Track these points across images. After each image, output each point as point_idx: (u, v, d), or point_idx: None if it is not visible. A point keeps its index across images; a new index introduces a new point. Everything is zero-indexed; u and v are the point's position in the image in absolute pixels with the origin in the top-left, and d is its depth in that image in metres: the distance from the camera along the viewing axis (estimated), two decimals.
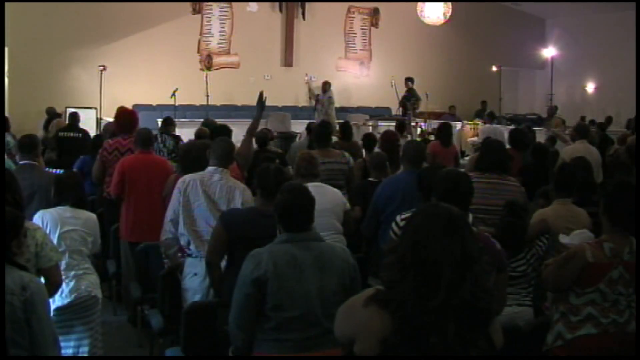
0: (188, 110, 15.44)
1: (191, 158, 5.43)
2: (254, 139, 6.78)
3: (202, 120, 11.46)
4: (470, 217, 3.71)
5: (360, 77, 18.39)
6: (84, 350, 4.58)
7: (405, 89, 16.19)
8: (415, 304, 2.08)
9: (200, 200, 4.88)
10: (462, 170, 4.91)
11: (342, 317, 2.32)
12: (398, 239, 2.29)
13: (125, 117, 7.27)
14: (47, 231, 4.46)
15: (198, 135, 8.56)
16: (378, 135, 9.22)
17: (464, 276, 2.11)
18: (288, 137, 12.27)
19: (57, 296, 4.30)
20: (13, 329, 3.07)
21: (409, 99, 15.80)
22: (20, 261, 3.34)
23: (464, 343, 2.09)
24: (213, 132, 7.49)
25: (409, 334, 2.08)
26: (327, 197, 5.19)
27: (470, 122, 16.23)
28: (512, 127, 12.14)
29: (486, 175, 5.28)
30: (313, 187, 5.04)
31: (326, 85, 16.24)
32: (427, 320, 2.07)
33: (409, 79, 16.19)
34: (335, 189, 5.48)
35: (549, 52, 20.88)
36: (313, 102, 16.45)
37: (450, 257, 2.11)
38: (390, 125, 13.66)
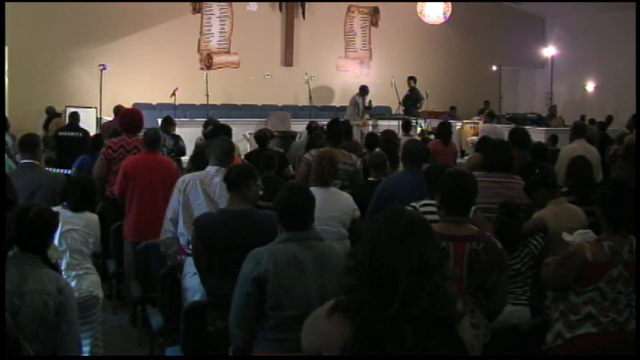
0: (188, 110, 15.43)
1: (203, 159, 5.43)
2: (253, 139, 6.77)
3: (202, 119, 11.47)
4: (473, 208, 3.70)
5: (360, 76, 18.39)
6: (84, 350, 4.57)
7: (407, 88, 16.20)
8: (370, 312, 2.02)
9: (200, 200, 4.89)
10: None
11: (306, 329, 2.24)
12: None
13: (131, 117, 7.26)
14: None
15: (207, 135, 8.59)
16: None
17: (421, 285, 2.03)
18: (288, 137, 12.27)
19: None
20: (40, 326, 3.11)
21: (412, 99, 15.82)
22: None
23: (424, 351, 2.02)
24: (213, 132, 7.50)
25: (366, 341, 2.02)
26: (336, 204, 5.17)
27: (469, 121, 16.24)
28: (512, 126, 12.14)
29: (492, 174, 5.33)
30: (323, 192, 5.06)
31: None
32: (384, 328, 2.01)
33: (412, 78, 16.18)
34: (347, 195, 5.46)
35: (549, 51, 20.89)
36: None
37: (406, 265, 2.04)
38: (391, 124, 13.68)
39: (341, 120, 10.95)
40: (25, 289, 3.07)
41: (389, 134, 8.91)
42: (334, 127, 7.31)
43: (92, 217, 4.83)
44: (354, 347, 2.02)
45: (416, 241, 2.09)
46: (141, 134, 7.19)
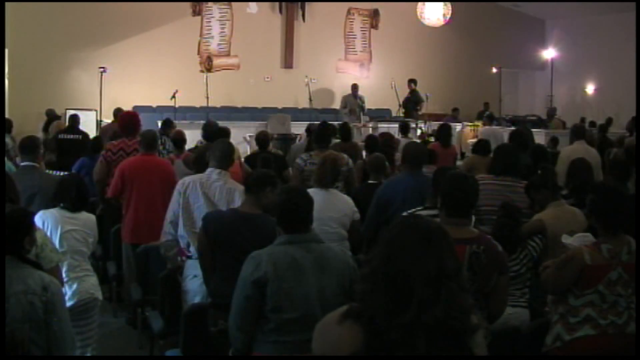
0: (188, 112, 15.42)
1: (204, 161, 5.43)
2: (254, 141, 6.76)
3: (202, 122, 11.47)
4: (473, 219, 3.71)
5: (360, 78, 18.39)
6: (81, 353, 4.58)
7: (407, 91, 16.21)
8: (384, 320, 1.99)
9: (200, 202, 4.89)
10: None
11: (317, 334, 2.21)
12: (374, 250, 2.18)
13: (128, 120, 7.28)
14: (49, 231, 4.50)
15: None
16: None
17: (438, 294, 2.00)
18: (288, 139, 12.27)
19: None
20: (32, 328, 3.09)
21: (413, 102, 15.84)
22: None
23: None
24: (212, 134, 7.51)
25: (378, 349, 1.99)
26: (336, 206, 5.20)
27: (470, 124, 16.24)
28: (512, 128, 12.14)
29: (501, 178, 5.37)
30: (323, 193, 5.08)
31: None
32: (396, 337, 1.98)
33: (412, 81, 16.20)
34: (347, 197, 5.48)
35: (548, 53, 20.89)
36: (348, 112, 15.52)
37: (423, 273, 2.00)
38: (391, 126, 13.67)
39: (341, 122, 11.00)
40: (10, 292, 3.05)
41: (385, 136, 8.92)
42: (322, 130, 7.31)
43: (90, 217, 4.86)
44: (364, 354, 2.00)
45: (434, 249, 2.05)
46: None
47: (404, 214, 4.28)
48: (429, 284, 2.00)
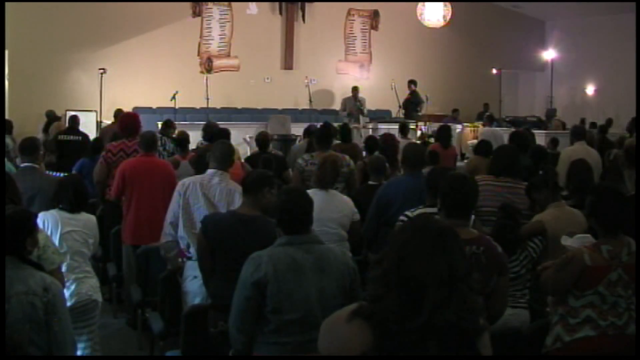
0: (188, 113, 15.44)
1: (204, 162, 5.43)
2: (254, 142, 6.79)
3: (202, 123, 11.48)
4: (472, 218, 3.71)
5: (361, 79, 18.40)
6: (83, 354, 4.58)
7: (407, 92, 16.21)
8: (396, 322, 1.99)
9: (200, 203, 4.89)
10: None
11: (324, 332, 2.20)
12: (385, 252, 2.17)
13: (128, 121, 7.29)
14: (49, 232, 4.50)
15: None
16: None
17: (449, 297, 2.00)
18: (288, 140, 12.27)
19: None
20: (32, 329, 3.10)
21: (413, 103, 15.84)
22: None
23: None
24: (212, 135, 7.51)
25: (389, 351, 1.99)
26: (335, 206, 5.20)
27: (470, 125, 16.25)
28: (512, 129, 12.14)
29: (500, 179, 5.38)
30: (323, 194, 5.09)
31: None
32: (408, 339, 1.98)
33: (412, 82, 16.20)
34: (346, 198, 5.49)
35: (548, 54, 20.90)
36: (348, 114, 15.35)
37: (435, 276, 2.00)
38: (391, 127, 13.68)
39: (341, 123, 11.01)
40: (11, 292, 3.06)
41: (387, 137, 8.93)
42: (324, 131, 7.31)
43: (90, 218, 4.85)
44: (374, 355, 1.99)
45: (446, 251, 2.05)
46: None
47: (406, 212, 4.30)
48: (441, 286, 2.00)
